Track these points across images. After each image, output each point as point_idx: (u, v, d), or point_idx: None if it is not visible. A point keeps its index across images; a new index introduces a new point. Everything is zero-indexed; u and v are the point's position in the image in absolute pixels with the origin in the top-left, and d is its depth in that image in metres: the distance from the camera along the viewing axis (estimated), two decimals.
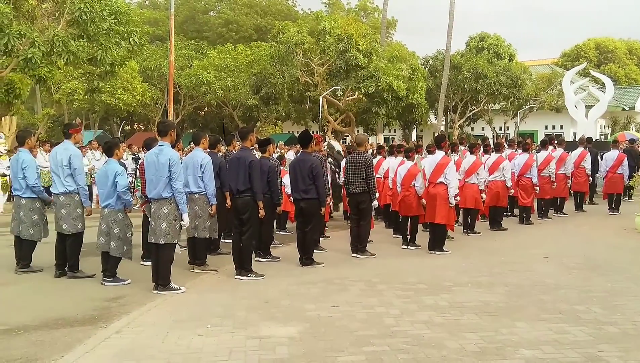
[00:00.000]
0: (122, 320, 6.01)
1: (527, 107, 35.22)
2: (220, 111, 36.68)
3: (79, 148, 9.04)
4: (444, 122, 35.86)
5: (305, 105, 32.31)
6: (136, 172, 10.85)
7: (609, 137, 36.55)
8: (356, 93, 28.27)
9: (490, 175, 11.94)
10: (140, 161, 9.23)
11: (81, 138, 9.18)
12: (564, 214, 14.29)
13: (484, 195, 11.37)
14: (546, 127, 38.50)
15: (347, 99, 29.23)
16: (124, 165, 8.59)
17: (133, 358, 4.90)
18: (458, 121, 35.63)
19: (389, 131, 40.71)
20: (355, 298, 6.78)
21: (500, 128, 38.79)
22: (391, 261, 9.02)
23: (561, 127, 36.76)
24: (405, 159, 10.44)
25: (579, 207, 14.99)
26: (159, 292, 7.09)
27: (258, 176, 7.95)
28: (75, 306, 6.58)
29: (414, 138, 38.48)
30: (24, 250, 8.33)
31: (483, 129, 40.31)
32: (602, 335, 5.42)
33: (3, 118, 21.51)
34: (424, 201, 9.83)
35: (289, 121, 39.27)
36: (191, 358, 4.88)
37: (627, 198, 17.43)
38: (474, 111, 35.40)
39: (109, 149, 7.94)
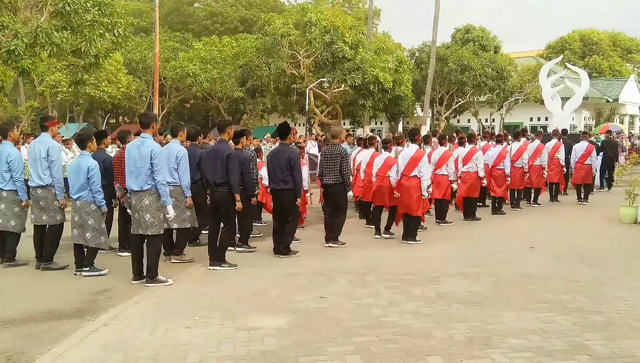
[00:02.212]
0: (109, 313, 5.97)
1: (512, 99, 35.44)
2: (206, 103, 36.54)
3: (63, 140, 8.98)
4: (430, 115, 35.97)
5: (292, 97, 32.26)
6: None
7: (593, 128, 36.87)
8: (342, 85, 28.27)
9: (463, 166, 12.09)
10: (115, 155, 9.22)
11: (58, 130, 9.16)
12: (538, 204, 14.43)
13: (454, 185, 11.49)
14: (531, 119, 38.82)
15: (333, 91, 29.22)
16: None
17: (121, 351, 4.88)
18: (444, 113, 35.76)
19: (376, 123, 40.77)
20: (344, 289, 6.80)
21: (486, 120, 39.00)
22: (379, 252, 9.05)
23: (546, 118, 36.97)
24: (383, 150, 10.63)
25: (553, 198, 15.14)
26: (146, 284, 7.08)
27: (236, 169, 7.98)
28: (62, 299, 6.54)
29: (400, 130, 38.56)
30: (8, 244, 8.30)
31: (469, 121, 40.54)
32: (587, 323, 5.47)
33: None
34: (396, 193, 9.93)
35: (275, 114, 39.15)
36: (179, 350, 4.87)
37: (606, 188, 17.78)
38: (460, 103, 35.55)
39: (82, 142, 7.95)
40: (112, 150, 15.72)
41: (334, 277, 7.37)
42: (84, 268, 7.66)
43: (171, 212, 7.33)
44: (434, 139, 12.94)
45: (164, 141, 13.59)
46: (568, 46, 53.09)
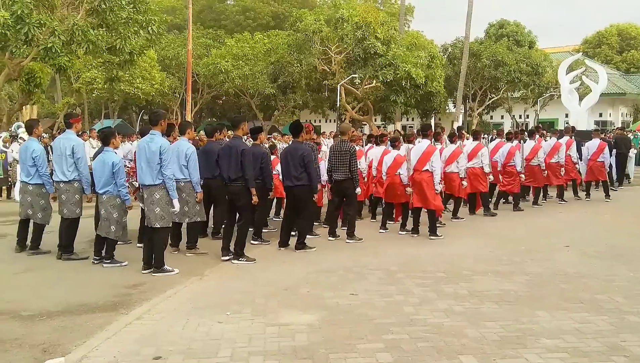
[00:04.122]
0: (142, 307, 6.06)
1: (547, 95, 34.80)
2: (238, 99, 36.76)
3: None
4: (463, 111, 35.58)
5: (323, 93, 32.25)
6: None
7: (631, 125, 36.05)
8: (374, 81, 28.13)
9: (468, 162, 12.17)
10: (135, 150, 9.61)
11: (81, 127, 9.54)
12: (565, 201, 14.45)
13: (464, 182, 11.64)
14: (566, 115, 37.91)
15: (365, 87, 29.10)
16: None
17: (154, 344, 4.94)
18: (477, 109, 35.33)
19: (407, 120, 40.50)
20: (374, 286, 6.77)
21: (520, 116, 38.42)
22: (410, 249, 8.99)
23: None
24: (391, 148, 10.75)
25: (574, 194, 15.15)
26: (153, 274, 7.40)
27: (250, 164, 8.14)
28: (96, 292, 6.65)
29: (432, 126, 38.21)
30: (34, 233, 8.73)
31: (502, 117, 39.96)
32: (624, 324, 5.35)
33: (24, 107, 21.73)
34: (409, 189, 10.07)
35: (306, 110, 39.21)
36: (211, 345, 4.91)
37: (620, 184, 17.84)
38: (493, 99, 35.07)
39: (105, 138, 8.26)
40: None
41: (364, 274, 7.35)
42: (105, 260, 7.97)
43: (177, 206, 7.64)
44: (444, 136, 13.04)
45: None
46: (605, 40, 51.87)
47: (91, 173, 8.44)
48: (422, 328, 5.26)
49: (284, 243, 9.07)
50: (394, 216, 10.93)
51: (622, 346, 4.80)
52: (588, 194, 15.10)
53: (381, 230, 10.50)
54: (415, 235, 10.04)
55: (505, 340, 4.95)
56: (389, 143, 11.74)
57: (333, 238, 9.79)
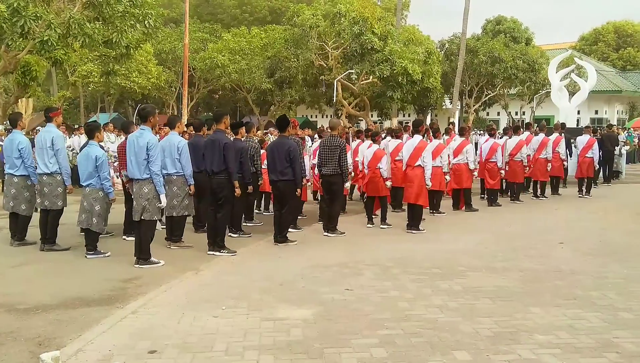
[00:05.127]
0: (138, 301, 6.07)
1: (543, 91, 34.83)
2: (234, 94, 36.65)
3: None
4: (459, 107, 35.58)
5: (320, 89, 32.20)
6: None
7: (626, 123, 36.14)
8: (371, 77, 28.07)
9: (454, 158, 12.43)
10: (119, 144, 9.71)
11: (62, 120, 9.81)
12: (545, 197, 14.67)
13: (447, 177, 11.84)
14: None
15: (361, 83, 29.06)
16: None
17: (149, 338, 4.96)
18: (473, 105, 35.35)
19: (404, 116, 40.50)
20: (370, 282, 6.80)
21: (516, 113, 38.48)
22: (405, 245, 9.03)
23: (578, 112, 36.38)
24: (372, 142, 10.88)
25: (554, 191, 15.38)
26: (140, 266, 7.47)
27: (233, 158, 8.26)
28: (92, 286, 6.66)
29: (428, 122, 38.26)
30: (19, 225, 8.85)
31: (499, 113, 40.03)
32: (617, 321, 5.39)
33: (20, 100, 21.67)
34: (388, 182, 10.34)
35: (303, 105, 39.15)
36: (206, 339, 4.93)
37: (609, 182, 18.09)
38: (489, 96, 35.08)
39: (90, 132, 8.44)
40: (114, 139, 15.96)
41: (359, 269, 7.38)
42: (87, 252, 8.09)
43: (163, 201, 7.71)
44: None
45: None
46: (602, 37, 51.96)
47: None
48: (416, 323, 5.29)
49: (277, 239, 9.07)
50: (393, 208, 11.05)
51: (614, 342, 4.83)
52: (580, 191, 15.19)
53: (382, 226, 10.53)
54: (414, 231, 10.06)
55: (499, 335, 4.98)
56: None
57: (333, 234, 9.78)
